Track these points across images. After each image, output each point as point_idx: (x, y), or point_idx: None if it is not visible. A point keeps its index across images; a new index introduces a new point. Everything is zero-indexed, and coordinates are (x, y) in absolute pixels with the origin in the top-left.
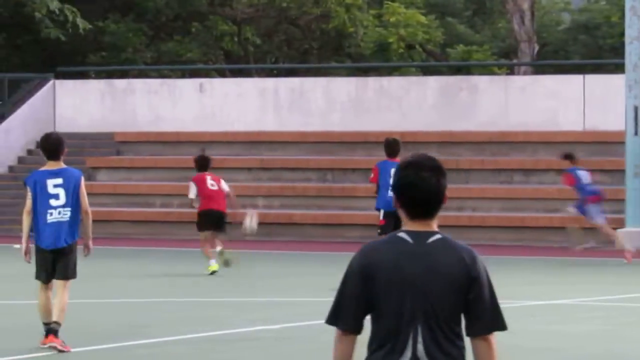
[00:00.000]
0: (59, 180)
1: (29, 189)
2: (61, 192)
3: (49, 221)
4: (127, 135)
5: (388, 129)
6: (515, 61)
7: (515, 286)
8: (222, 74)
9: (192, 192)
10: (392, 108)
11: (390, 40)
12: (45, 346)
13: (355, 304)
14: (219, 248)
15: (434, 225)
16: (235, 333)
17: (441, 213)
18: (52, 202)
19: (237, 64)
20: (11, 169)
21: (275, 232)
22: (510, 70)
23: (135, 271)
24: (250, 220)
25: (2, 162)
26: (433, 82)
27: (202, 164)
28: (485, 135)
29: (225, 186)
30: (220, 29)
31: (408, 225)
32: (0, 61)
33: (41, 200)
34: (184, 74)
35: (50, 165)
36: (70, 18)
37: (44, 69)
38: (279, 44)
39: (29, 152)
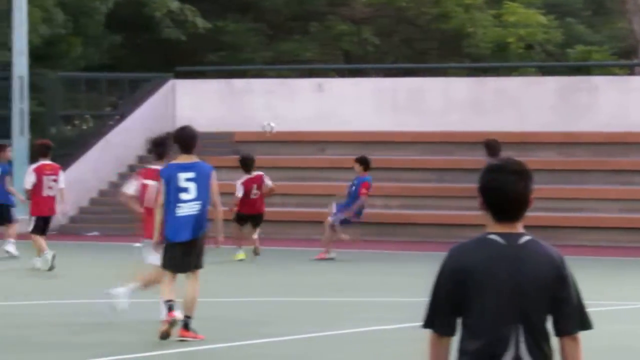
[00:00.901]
0: (191, 174)
1: (162, 182)
2: (192, 186)
3: (178, 214)
4: (246, 134)
5: (506, 129)
6: (635, 61)
7: (633, 287)
8: (340, 73)
9: (240, 192)
10: (511, 108)
11: (509, 40)
12: (179, 339)
13: (448, 307)
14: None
15: (520, 227)
16: (350, 333)
17: (559, 214)
18: (183, 195)
19: (355, 63)
20: (131, 168)
21: (394, 232)
22: (631, 71)
23: (251, 270)
24: None
25: (122, 161)
26: (552, 83)
27: (246, 164)
28: (605, 136)
29: (269, 183)
30: (339, 29)
31: (494, 227)
32: (121, 61)
33: (172, 193)
34: (302, 74)
35: (183, 159)
36: (190, 18)
37: (163, 68)
38: (398, 44)
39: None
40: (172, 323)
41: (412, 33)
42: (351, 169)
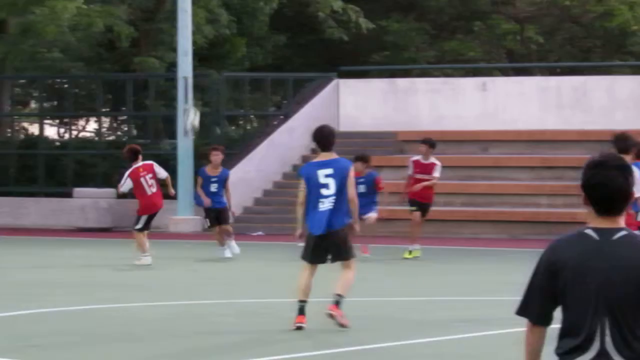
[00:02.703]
0: (330, 171)
1: (302, 179)
2: (331, 181)
3: (320, 209)
4: (410, 134)
5: None
6: None
7: None
8: (504, 72)
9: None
10: None
11: None
12: (299, 325)
13: (542, 297)
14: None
15: (621, 222)
16: (506, 333)
17: None
18: (323, 191)
19: (519, 62)
20: (295, 167)
21: (560, 231)
22: None
23: (415, 269)
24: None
25: (286, 161)
26: None
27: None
28: None
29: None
30: (503, 28)
31: (595, 221)
32: (285, 61)
33: (313, 189)
34: (466, 73)
35: (323, 157)
36: (353, 18)
37: (327, 68)
38: (562, 43)
39: (313, 151)
40: (298, 328)
41: (576, 31)
42: (515, 167)
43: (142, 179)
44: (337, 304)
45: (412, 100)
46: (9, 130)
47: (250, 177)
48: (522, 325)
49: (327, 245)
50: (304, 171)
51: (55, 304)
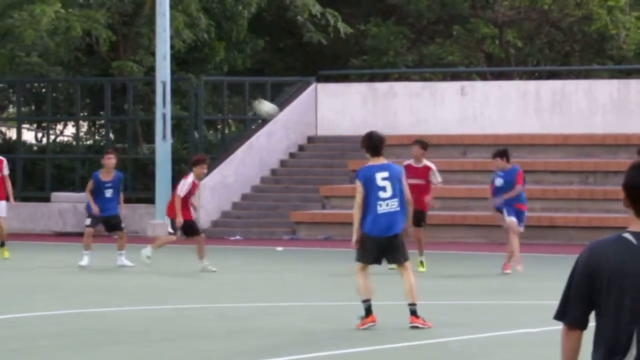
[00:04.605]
0: (386, 174)
1: (359, 183)
2: (388, 184)
3: (379, 212)
4: (389, 138)
5: None
6: None
7: None
8: (483, 76)
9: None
10: None
11: None
12: (372, 325)
13: (580, 300)
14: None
15: None
16: (496, 336)
17: None
18: (381, 194)
19: (498, 66)
20: (273, 172)
21: (537, 235)
22: None
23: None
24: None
25: (265, 165)
26: None
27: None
28: None
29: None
30: (482, 32)
31: (634, 224)
32: (264, 65)
33: (371, 192)
34: (445, 77)
35: (376, 161)
36: (332, 22)
37: (306, 72)
38: (541, 47)
39: (291, 155)
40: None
41: (555, 35)
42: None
43: None
44: (413, 313)
45: (391, 105)
46: None
47: (229, 181)
48: (497, 330)
49: (386, 248)
50: (361, 174)
51: (34, 308)
